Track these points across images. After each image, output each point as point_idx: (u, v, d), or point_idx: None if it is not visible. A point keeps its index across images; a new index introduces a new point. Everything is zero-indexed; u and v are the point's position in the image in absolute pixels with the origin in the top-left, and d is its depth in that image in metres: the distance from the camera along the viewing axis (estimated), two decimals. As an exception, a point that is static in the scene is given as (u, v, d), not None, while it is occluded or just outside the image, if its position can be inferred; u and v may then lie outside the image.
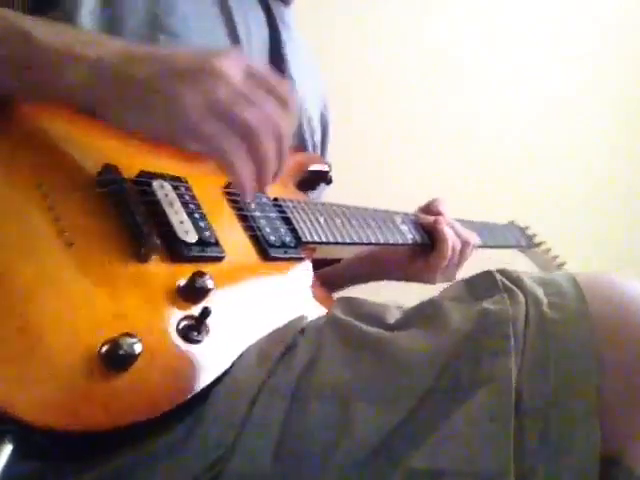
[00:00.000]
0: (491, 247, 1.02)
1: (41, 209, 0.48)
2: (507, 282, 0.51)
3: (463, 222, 0.95)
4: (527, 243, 1.14)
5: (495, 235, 1.02)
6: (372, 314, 0.53)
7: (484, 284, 0.52)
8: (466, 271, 0.83)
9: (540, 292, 0.50)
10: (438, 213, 0.88)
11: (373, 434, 0.46)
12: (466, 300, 0.51)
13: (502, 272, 0.53)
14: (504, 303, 0.49)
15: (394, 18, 1.51)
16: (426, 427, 0.45)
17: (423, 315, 0.52)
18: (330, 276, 0.88)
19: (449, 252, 0.83)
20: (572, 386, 0.45)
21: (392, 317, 0.53)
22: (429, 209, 0.90)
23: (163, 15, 0.66)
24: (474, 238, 0.88)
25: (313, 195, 0.88)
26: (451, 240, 0.83)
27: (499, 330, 0.47)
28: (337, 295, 0.66)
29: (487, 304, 0.49)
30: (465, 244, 0.86)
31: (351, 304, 0.55)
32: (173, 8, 0.67)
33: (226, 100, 0.48)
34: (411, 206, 0.83)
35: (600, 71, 1.93)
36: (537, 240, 1.23)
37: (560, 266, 1.27)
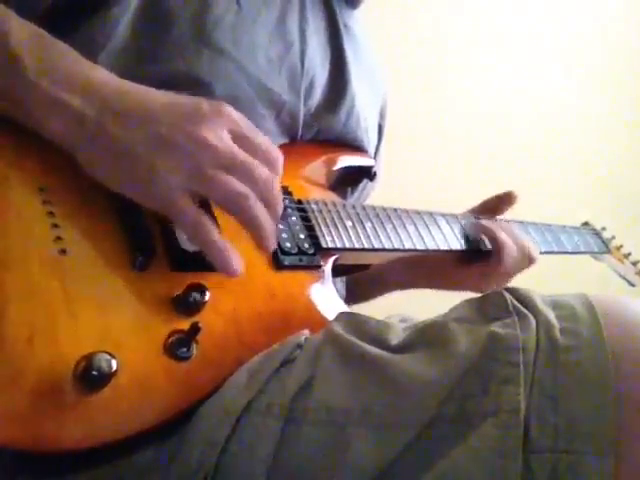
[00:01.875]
0: (557, 253, 0.93)
1: (40, 214, 0.48)
2: (517, 304, 0.46)
3: (525, 224, 0.88)
4: (600, 248, 1.03)
5: (561, 239, 0.93)
6: (375, 333, 0.49)
7: (493, 305, 0.47)
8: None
9: (552, 315, 0.45)
10: (494, 213, 0.82)
11: (371, 464, 0.42)
12: (474, 322, 0.47)
13: (513, 292, 0.48)
14: (514, 327, 0.44)
15: (395, 18, 1.47)
16: (427, 460, 0.41)
17: (428, 337, 0.47)
18: (359, 283, 0.83)
19: (510, 261, 0.77)
20: (584, 421, 0.40)
21: (396, 337, 0.48)
22: (485, 210, 0.83)
23: (211, 27, 0.61)
24: (534, 250, 0.80)
25: (355, 193, 0.83)
26: (511, 249, 0.77)
27: (508, 357, 0.43)
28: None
29: (496, 327, 0.45)
30: (526, 256, 0.79)
31: (353, 321, 0.51)
32: (222, 20, 0.62)
33: (209, 173, 0.47)
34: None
35: (601, 71, 1.92)
36: (616, 243, 1.12)
37: (641, 272, 1.15)
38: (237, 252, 0.49)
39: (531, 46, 1.81)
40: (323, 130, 0.74)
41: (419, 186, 1.49)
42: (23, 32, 0.48)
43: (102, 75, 0.50)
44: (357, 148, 0.79)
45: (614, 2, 1.95)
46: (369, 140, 0.81)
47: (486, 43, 1.72)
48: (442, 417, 0.42)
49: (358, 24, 0.81)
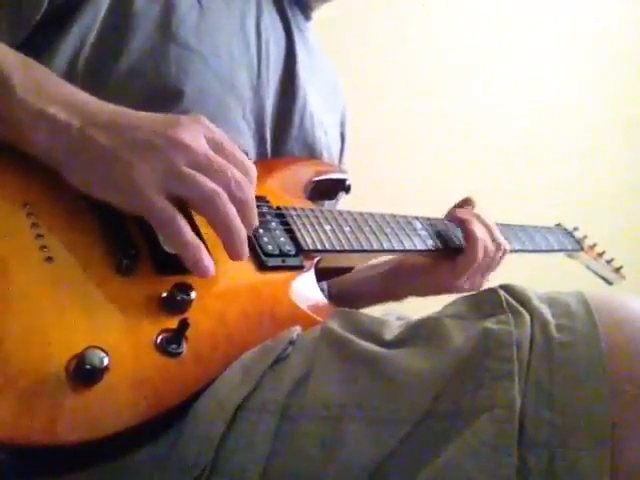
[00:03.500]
0: (531, 252, 0.96)
1: (24, 226, 0.49)
2: (512, 301, 0.47)
3: (499, 225, 0.90)
4: (574, 247, 1.06)
5: (535, 239, 0.96)
6: (370, 330, 0.50)
7: (487, 302, 0.48)
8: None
9: (547, 312, 0.46)
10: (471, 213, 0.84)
11: (367, 459, 0.43)
12: (468, 318, 0.48)
13: (507, 289, 0.49)
14: (508, 323, 0.45)
15: (394, 19, 1.51)
16: (423, 455, 0.42)
17: (422, 333, 0.48)
18: (343, 290, 0.84)
19: (480, 253, 0.78)
20: (580, 416, 0.40)
21: (390, 333, 0.49)
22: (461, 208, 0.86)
23: (175, 25, 0.64)
24: (506, 243, 0.82)
25: (331, 204, 0.85)
26: (482, 241, 0.78)
27: (502, 353, 0.43)
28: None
29: (490, 324, 0.45)
30: (498, 247, 0.81)
31: (349, 318, 0.51)
32: (186, 19, 0.65)
33: (185, 171, 0.48)
34: (412, 209, 0.79)
35: (601, 71, 1.95)
36: (589, 242, 1.15)
37: (617, 270, 1.18)
38: (209, 254, 0.50)
39: (529, 47, 1.84)
40: (282, 133, 0.76)
41: (419, 188, 1.50)
42: (11, 58, 0.51)
43: (85, 95, 0.53)
44: (319, 155, 0.81)
45: (614, 2, 1.99)
46: (329, 143, 0.83)
47: (485, 43, 1.74)
48: (437, 412, 0.43)
49: (312, 35, 0.85)
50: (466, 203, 0.87)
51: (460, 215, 0.81)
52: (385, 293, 0.88)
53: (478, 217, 0.81)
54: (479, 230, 0.79)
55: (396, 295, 0.88)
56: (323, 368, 0.47)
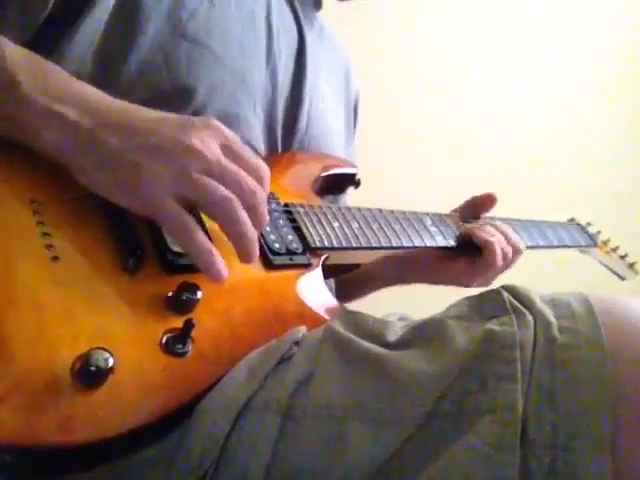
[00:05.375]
0: (544, 248, 0.95)
1: (31, 224, 0.49)
2: (515, 302, 0.47)
3: (510, 221, 0.90)
4: (587, 242, 1.05)
5: (547, 235, 0.95)
6: (373, 331, 0.50)
7: (491, 303, 0.48)
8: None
9: (550, 314, 0.45)
10: (482, 211, 0.83)
11: (369, 460, 0.43)
12: (471, 320, 0.47)
13: (510, 290, 0.48)
14: (511, 325, 0.45)
15: (393, 18, 1.50)
16: (425, 456, 0.42)
17: (425, 334, 0.48)
18: (350, 281, 0.84)
19: (499, 262, 0.78)
20: (582, 418, 0.40)
21: (393, 334, 0.49)
22: (472, 209, 0.85)
23: (186, 20, 0.63)
24: (522, 245, 0.82)
25: (342, 199, 0.85)
26: (501, 249, 0.77)
27: (505, 354, 0.43)
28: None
29: (493, 325, 0.45)
30: (515, 251, 0.81)
31: (352, 319, 0.52)
32: (195, 13, 0.64)
33: (196, 177, 0.48)
34: (418, 206, 0.78)
35: (601, 70, 1.95)
36: (603, 238, 1.14)
37: (631, 265, 1.17)
38: (222, 257, 0.49)
39: (529, 47, 1.84)
40: (292, 127, 0.76)
41: (419, 188, 1.50)
42: (18, 55, 0.51)
43: (94, 92, 0.52)
44: (330, 148, 0.80)
45: (614, 2, 1.98)
46: (341, 134, 0.83)
47: (485, 42, 1.74)
48: (439, 413, 0.43)
49: (323, 23, 0.85)
50: (476, 204, 0.86)
51: (475, 231, 0.80)
52: (394, 278, 0.88)
53: (494, 226, 0.80)
54: (498, 239, 0.78)
55: (404, 280, 0.88)
56: (326, 368, 0.47)
